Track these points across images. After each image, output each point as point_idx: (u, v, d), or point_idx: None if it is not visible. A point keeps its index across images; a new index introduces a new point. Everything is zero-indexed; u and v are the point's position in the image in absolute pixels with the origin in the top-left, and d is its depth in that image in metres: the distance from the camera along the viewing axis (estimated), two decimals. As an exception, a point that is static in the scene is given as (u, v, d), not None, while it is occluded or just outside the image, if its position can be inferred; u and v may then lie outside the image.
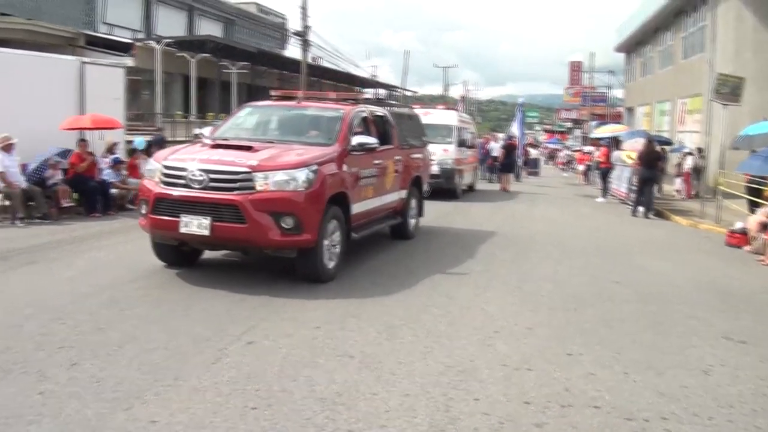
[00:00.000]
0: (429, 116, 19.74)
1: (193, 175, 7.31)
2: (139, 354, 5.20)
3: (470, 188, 22.72)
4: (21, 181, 12.38)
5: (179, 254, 8.34)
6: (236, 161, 7.40)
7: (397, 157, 10.41)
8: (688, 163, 22.26)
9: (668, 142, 25.75)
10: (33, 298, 6.80)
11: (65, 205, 13.23)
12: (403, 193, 10.89)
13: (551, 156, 55.79)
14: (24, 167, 12.84)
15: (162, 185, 7.56)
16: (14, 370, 4.80)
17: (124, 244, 10.07)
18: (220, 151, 7.94)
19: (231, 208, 7.13)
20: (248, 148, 7.85)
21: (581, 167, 32.30)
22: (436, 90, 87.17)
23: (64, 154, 13.58)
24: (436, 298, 7.37)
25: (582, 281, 8.67)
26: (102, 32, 31.61)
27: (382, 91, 56.23)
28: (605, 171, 22.11)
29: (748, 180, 14.77)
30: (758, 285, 9.33)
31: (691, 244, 13.06)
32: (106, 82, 15.52)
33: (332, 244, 7.95)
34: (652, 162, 17.20)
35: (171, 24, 36.41)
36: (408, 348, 5.61)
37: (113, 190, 13.86)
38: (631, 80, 45.58)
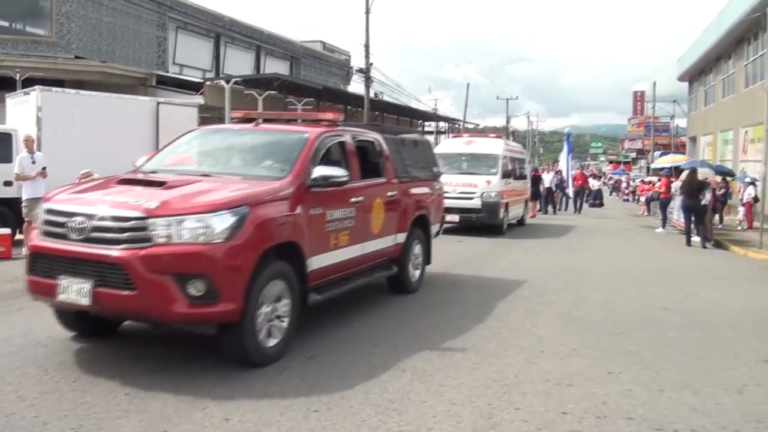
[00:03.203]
0: (472, 145, 19.36)
1: (74, 221, 5.50)
2: (215, 365, 5.81)
3: (519, 223, 21.37)
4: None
5: (88, 322, 6.43)
6: (130, 203, 5.54)
7: (390, 193, 8.50)
8: (749, 192, 22.13)
9: (730, 173, 25.59)
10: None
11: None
12: (401, 237, 8.87)
13: (616, 187, 55.44)
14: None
15: (41, 235, 5.81)
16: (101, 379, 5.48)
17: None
18: (121, 188, 6.08)
19: (114, 268, 5.26)
20: (160, 184, 6.04)
21: (643, 198, 32.18)
22: (499, 122, 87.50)
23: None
24: (487, 321, 7.81)
25: (632, 308, 8.95)
26: (173, 72, 33.05)
27: (443, 124, 56.83)
28: (665, 201, 22.12)
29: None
30: (809, 313, 9.40)
31: (745, 273, 13.11)
32: (180, 120, 16.45)
33: (274, 313, 5.97)
34: (694, 192, 17.34)
35: (239, 63, 37.80)
36: (457, 364, 6.08)
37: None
38: (693, 109, 45.21)
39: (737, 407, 5.26)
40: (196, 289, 5.28)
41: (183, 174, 6.69)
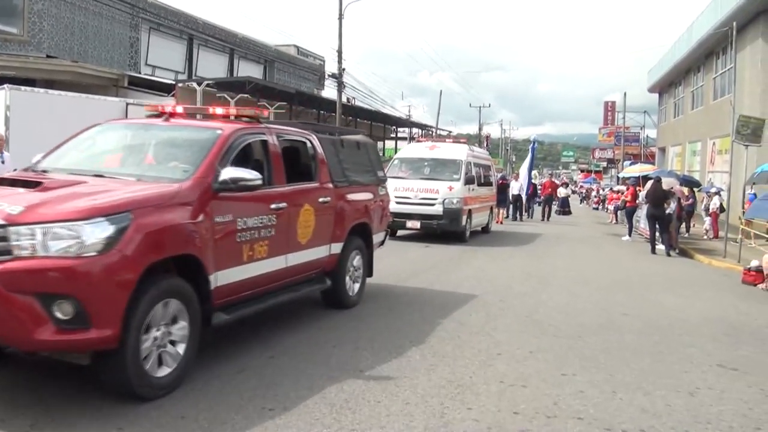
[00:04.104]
0: (436, 150, 19.02)
1: None
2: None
3: (484, 230, 21.05)
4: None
5: None
6: None
7: (323, 199, 7.67)
8: (715, 202, 22.49)
9: (696, 183, 26.01)
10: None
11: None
12: (336, 247, 8.08)
13: (587, 195, 56.00)
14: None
15: None
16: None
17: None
18: None
19: None
20: (35, 185, 5.21)
21: (611, 206, 32.55)
22: (472, 129, 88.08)
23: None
24: (447, 324, 7.90)
25: (592, 313, 9.08)
26: (145, 73, 32.87)
27: (416, 131, 57.02)
28: (631, 210, 22.42)
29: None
30: (766, 320, 9.56)
31: (707, 281, 13.34)
32: (149, 122, 16.45)
33: (167, 338, 5.15)
34: (658, 201, 17.63)
35: (212, 66, 37.64)
36: (414, 365, 6.17)
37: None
38: (663, 120, 45.93)
39: (687, 409, 5.39)
40: (62, 312, 4.44)
41: (74, 173, 5.81)
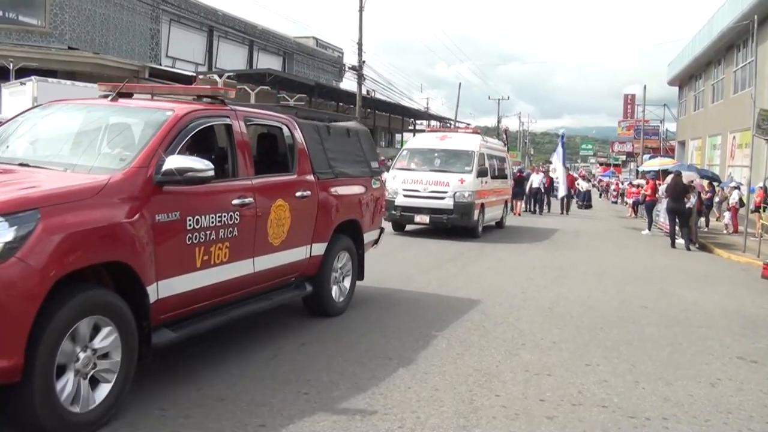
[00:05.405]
0: (447, 141, 18.10)
1: None
2: (205, 349, 6.03)
3: (498, 225, 20.18)
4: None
5: None
6: None
7: (301, 193, 6.66)
8: (734, 197, 22.47)
9: (716, 178, 25.93)
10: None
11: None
12: (318, 248, 7.08)
13: (606, 189, 55.83)
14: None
15: None
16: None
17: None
18: None
19: None
20: None
21: (630, 200, 32.47)
22: (490, 122, 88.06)
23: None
24: (472, 314, 8.08)
25: (612, 305, 9.21)
26: (166, 65, 33.16)
27: (434, 123, 57.10)
28: (651, 204, 22.43)
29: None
30: (785, 314, 9.62)
31: (726, 275, 13.37)
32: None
33: (91, 365, 4.18)
34: (679, 195, 17.65)
35: (231, 57, 37.92)
36: (441, 354, 6.35)
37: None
38: (683, 114, 45.71)
39: (708, 399, 5.52)
40: None
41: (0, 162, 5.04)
